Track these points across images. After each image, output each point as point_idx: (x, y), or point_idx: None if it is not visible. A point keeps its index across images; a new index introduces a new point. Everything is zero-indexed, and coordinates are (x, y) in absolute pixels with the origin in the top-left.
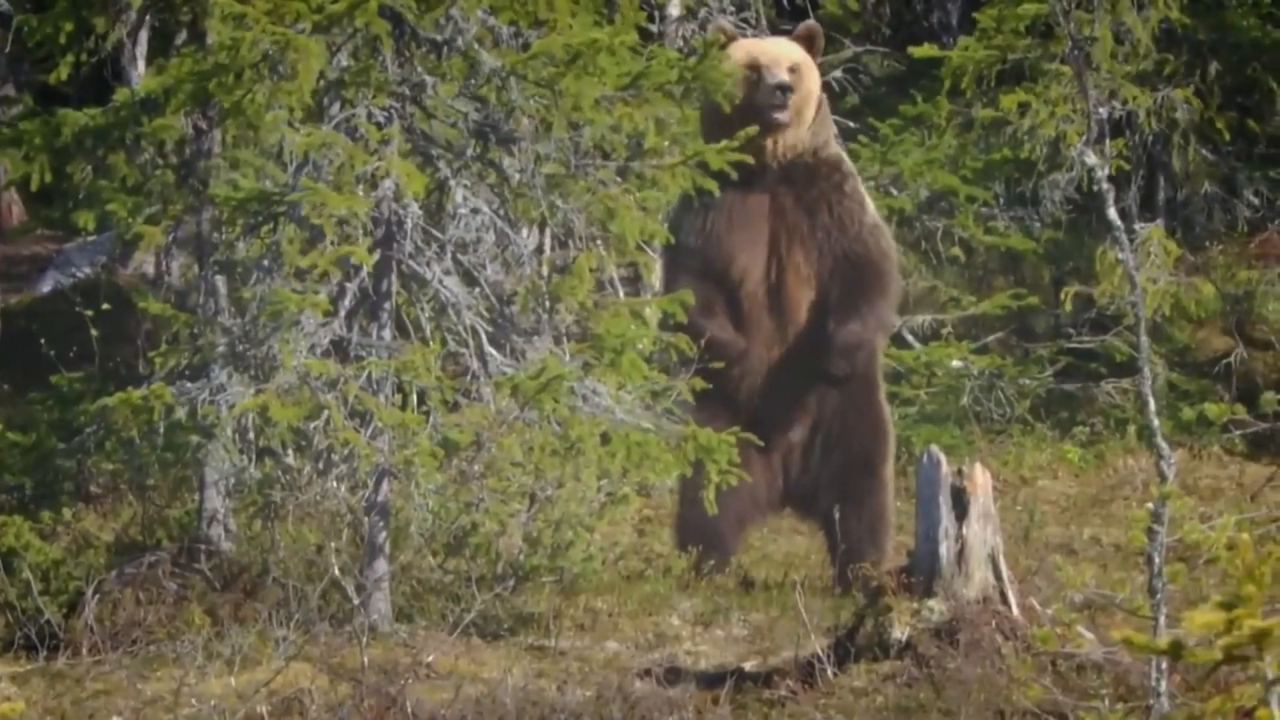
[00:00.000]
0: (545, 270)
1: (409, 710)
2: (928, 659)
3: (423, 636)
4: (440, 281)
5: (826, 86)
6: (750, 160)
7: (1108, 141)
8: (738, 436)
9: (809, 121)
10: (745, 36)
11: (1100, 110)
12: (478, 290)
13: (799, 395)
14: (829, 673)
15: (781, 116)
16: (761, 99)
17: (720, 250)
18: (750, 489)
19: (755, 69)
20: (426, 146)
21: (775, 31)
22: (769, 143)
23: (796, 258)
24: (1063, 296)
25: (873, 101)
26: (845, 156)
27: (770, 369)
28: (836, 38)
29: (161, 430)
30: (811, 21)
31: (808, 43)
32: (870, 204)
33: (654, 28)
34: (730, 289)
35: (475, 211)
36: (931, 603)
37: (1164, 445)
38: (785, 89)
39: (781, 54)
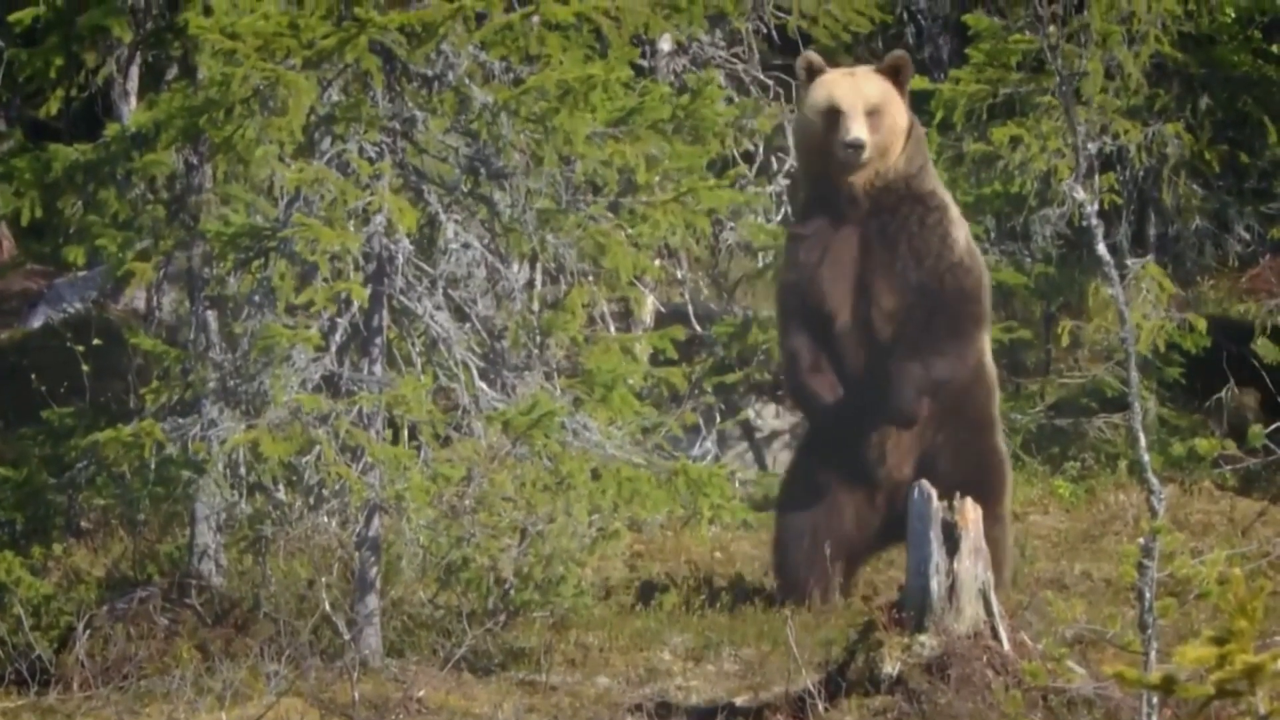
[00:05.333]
0: (536, 305)
1: None
2: (919, 694)
3: (414, 671)
4: (431, 316)
5: None
6: (840, 191)
7: (1098, 176)
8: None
9: (897, 153)
10: (835, 67)
11: (1090, 145)
12: (469, 325)
13: (899, 433)
14: (820, 707)
15: (853, 169)
16: (837, 151)
17: (813, 286)
18: (851, 520)
19: (835, 113)
20: (418, 182)
21: (768, 66)
22: (855, 178)
23: (881, 293)
24: (1059, 331)
25: None
26: (939, 188)
27: (864, 408)
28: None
29: (152, 465)
30: (899, 53)
31: (894, 75)
32: (961, 240)
33: (645, 63)
34: (825, 326)
35: (466, 246)
36: (922, 637)
37: (1155, 480)
38: (857, 147)
39: (859, 99)
